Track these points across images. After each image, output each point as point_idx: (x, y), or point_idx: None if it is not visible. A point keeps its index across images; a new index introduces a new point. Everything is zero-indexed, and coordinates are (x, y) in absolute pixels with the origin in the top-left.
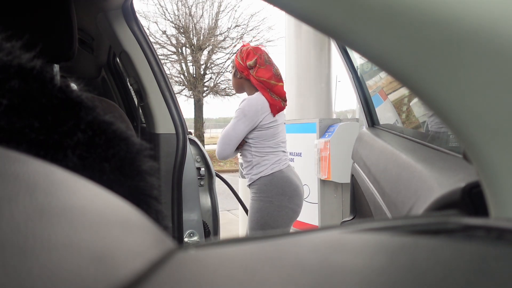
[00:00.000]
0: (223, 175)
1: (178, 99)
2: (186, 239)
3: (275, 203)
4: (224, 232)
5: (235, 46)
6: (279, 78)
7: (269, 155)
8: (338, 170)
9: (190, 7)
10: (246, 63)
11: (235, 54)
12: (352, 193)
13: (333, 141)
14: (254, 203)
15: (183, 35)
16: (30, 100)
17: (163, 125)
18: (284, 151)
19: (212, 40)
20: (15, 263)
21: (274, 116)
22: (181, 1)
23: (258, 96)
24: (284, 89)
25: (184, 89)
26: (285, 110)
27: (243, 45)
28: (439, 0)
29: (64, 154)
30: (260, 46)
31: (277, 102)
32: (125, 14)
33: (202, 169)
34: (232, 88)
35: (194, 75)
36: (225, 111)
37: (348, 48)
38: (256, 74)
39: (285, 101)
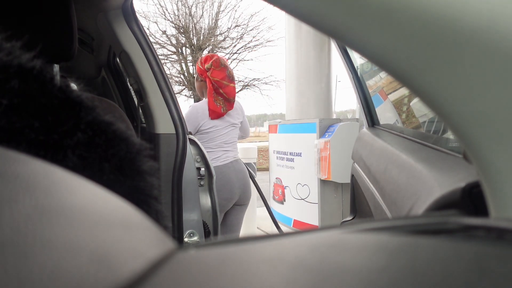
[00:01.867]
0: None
1: (178, 99)
2: (186, 239)
3: None
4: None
5: (235, 46)
6: (231, 80)
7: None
8: (338, 170)
9: (190, 7)
10: (204, 66)
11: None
12: (352, 193)
13: (333, 141)
14: None
15: (183, 35)
16: (30, 100)
17: (163, 125)
18: (225, 150)
19: (212, 40)
20: (15, 263)
21: (212, 119)
22: (181, 1)
23: (201, 104)
24: (235, 91)
25: (184, 89)
26: (236, 107)
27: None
28: (439, 0)
29: (64, 154)
30: (217, 54)
31: (218, 109)
32: (125, 14)
33: (202, 169)
34: None
35: (194, 75)
36: None
37: (348, 48)
38: (211, 75)
39: (230, 104)
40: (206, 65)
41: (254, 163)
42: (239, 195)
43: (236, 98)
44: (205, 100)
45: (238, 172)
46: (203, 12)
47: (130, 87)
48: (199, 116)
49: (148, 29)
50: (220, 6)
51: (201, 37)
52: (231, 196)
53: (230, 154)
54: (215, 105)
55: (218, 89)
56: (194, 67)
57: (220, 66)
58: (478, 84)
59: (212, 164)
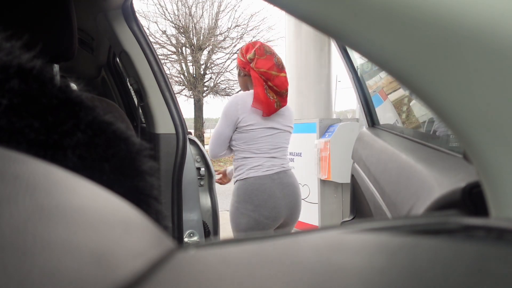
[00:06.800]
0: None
1: (178, 99)
2: (186, 239)
3: (240, 210)
4: (224, 232)
5: (235, 46)
6: (280, 68)
7: (248, 159)
8: (338, 170)
9: (190, 7)
10: (246, 57)
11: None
12: (352, 193)
13: (333, 141)
14: (230, 206)
15: (183, 35)
16: (30, 100)
17: (163, 125)
18: (271, 157)
19: (212, 40)
20: (15, 263)
21: (266, 116)
22: (181, 1)
23: (244, 95)
24: (288, 80)
25: (184, 89)
26: (285, 111)
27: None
28: (439, 0)
29: (64, 154)
30: (259, 41)
31: (272, 103)
32: (125, 14)
33: (202, 169)
34: (232, 88)
35: (194, 75)
36: None
37: (348, 48)
38: (256, 65)
39: (284, 98)
40: (249, 55)
41: None
42: (286, 215)
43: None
44: (250, 92)
45: (286, 186)
46: (203, 12)
47: (130, 87)
48: (239, 108)
49: (148, 29)
50: (220, 6)
51: (201, 37)
52: (276, 215)
53: (277, 163)
54: (268, 98)
55: (267, 81)
56: (194, 67)
57: (265, 54)
58: (479, 84)
59: (249, 175)
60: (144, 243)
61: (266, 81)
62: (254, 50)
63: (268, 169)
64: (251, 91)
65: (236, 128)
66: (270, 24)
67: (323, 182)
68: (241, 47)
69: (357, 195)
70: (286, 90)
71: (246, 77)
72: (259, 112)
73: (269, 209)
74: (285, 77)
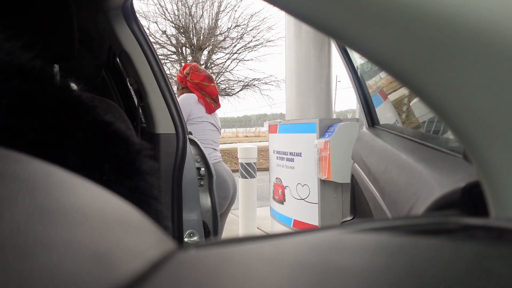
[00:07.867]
0: None
1: (178, 99)
2: (186, 239)
3: None
4: (224, 232)
5: (235, 46)
6: (211, 80)
7: None
8: (338, 170)
9: (190, 7)
10: (183, 73)
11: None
12: (352, 193)
13: (333, 141)
14: None
15: (183, 35)
16: (30, 100)
17: (163, 125)
18: (214, 149)
19: (212, 40)
20: (15, 263)
21: (208, 113)
22: (181, 1)
23: (192, 94)
24: (217, 89)
25: None
26: (217, 112)
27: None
28: (439, 0)
29: (64, 154)
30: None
31: (209, 104)
32: (125, 14)
33: (202, 169)
34: (232, 88)
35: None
36: (224, 111)
37: (348, 48)
38: (191, 78)
39: (217, 102)
40: (185, 71)
41: (254, 163)
42: (232, 194)
43: (235, 99)
44: (193, 94)
45: (228, 171)
46: (203, 12)
47: (130, 87)
48: (192, 103)
49: (148, 29)
50: (220, 6)
51: (201, 37)
52: (227, 195)
53: (218, 154)
54: (207, 101)
55: (200, 90)
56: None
57: (199, 70)
58: (478, 84)
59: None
60: (144, 243)
61: (199, 90)
62: (190, 67)
63: (215, 158)
64: (194, 94)
65: (187, 120)
66: (270, 24)
67: (323, 182)
68: (180, 69)
69: (357, 195)
70: (217, 97)
71: (184, 89)
72: (203, 108)
73: (223, 190)
74: (215, 86)
